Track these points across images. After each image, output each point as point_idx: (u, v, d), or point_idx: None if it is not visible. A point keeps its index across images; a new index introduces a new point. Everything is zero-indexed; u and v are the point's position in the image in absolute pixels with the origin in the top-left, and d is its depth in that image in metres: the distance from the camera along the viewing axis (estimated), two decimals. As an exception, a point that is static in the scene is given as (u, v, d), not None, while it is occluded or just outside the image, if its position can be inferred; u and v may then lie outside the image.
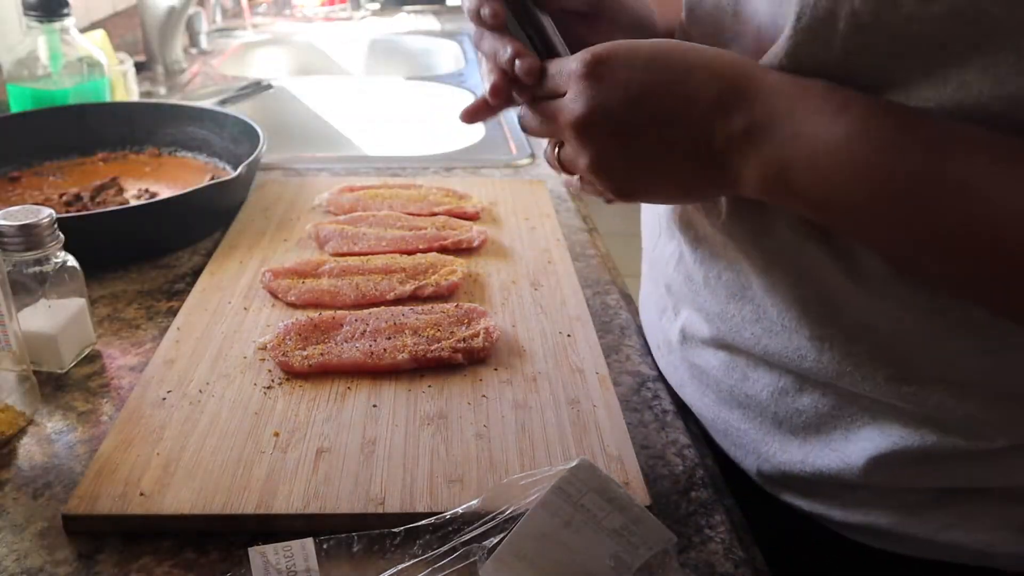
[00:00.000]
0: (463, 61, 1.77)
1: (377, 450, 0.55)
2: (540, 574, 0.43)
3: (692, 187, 0.47)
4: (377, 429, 0.57)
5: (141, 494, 0.50)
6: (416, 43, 1.98)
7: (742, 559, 0.49)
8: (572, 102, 0.46)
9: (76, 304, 0.65)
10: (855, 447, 0.50)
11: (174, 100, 1.38)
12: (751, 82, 0.42)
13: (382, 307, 0.71)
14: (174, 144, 1.07)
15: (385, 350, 0.63)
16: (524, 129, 0.53)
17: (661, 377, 0.66)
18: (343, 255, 0.80)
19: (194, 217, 0.85)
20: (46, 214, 0.60)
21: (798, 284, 0.49)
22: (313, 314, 0.69)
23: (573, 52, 0.49)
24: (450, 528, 0.47)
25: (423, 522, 0.47)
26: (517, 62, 0.50)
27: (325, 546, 0.46)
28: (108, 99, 1.13)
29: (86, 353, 0.67)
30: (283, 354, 0.63)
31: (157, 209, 0.80)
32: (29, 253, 0.60)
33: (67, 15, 1.04)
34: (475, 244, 0.83)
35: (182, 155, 1.06)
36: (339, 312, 0.69)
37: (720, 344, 0.56)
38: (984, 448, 0.47)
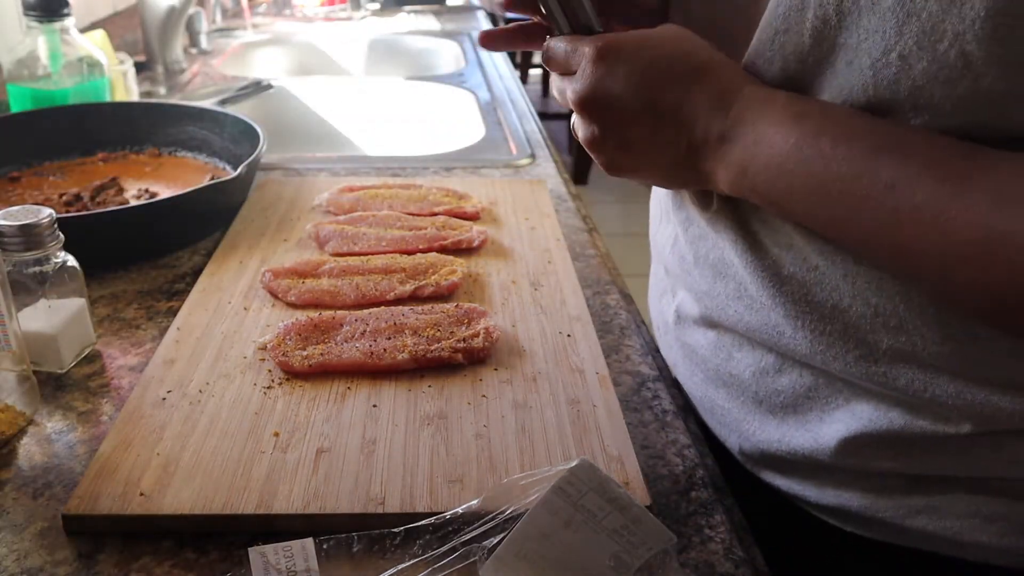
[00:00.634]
0: (463, 61, 1.77)
1: (377, 450, 0.55)
2: (540, 574, 0.43)
3: (674, 177, 0.52)
4: (377, 429, 0.57)
5: (141, 494, 0.50)
6: (416, 43, 1.98)
7: (742, 559, 0.49)
8: (578, 81, 0.50)
9: (76, 304, 0.65)
10: (828, 428, 0.52)
11: (174, 100, 1.38)
12: (732, 92, 0.46)
13: (382, 307, 0.71)
14: (174, 144, 1.07)
15: (385, 350, 0.63)
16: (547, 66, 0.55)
17: (661, 377, 0.66)
18: (343, 255, 0.80)
19: (194, 217, 0.85)
20: (46, 214, 0.60)
21: (776, 263, 0.51)
22: (313, 314, 0.69)
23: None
24: (450, 528, 0.47)
25: (423, 522, 0.47)
26: (547, 42, 0.54)
27: (325, 546, 0.46)
28: (108, 99, 1.13)
29: (86, 353, 0.67)
30: (283, 354, 0.63)
31: (157, 209, 0.80)
32: (29, 253, 0.60)
33: (67, 15, 1.04)
34: (475, 244, 0.83)
35: (182, 155, 1.06)
36: (339, 312, 0.69)
37: (708, 323, 0.59)
38: (951, 433, 0.48)
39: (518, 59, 4.52)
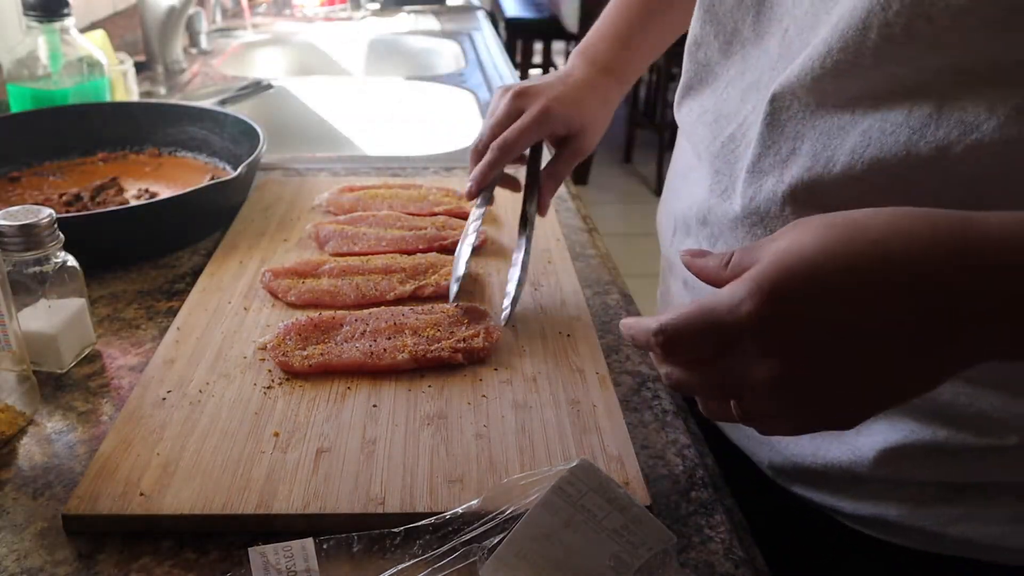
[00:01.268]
0: (463, 61, 1.77)
1: (377, 450, 0.55)
2: (540, 574, 0.43)
3: (907, 385, 0.39)
4: (377, 429, 0.57)
5: (141, 494, 0.50)
6: (416, 43, 1.98)
7: (742, 559, 0.49)
8: (758, 358, 0.38)
9: (76, 304, 0.65)
10: (866, 440, 0.51)
11: (174, 100, 1.38)
12: (976, 255, 0.36)
13: (382, 307, 0.71)
14: (174, 144, 1.07)
15: (385, 350, 0.63)
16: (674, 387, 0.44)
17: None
18: (343, 255, 0.80)
19: (194, 217, 0.85)
20: (46, 214, 0.60)
21: None
22: (313, 314, 0.69)
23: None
24: (450, 528, 0.47)
25: (423, 522, 0.47)
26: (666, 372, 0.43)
27: (325, 546, 0.46)
28: (108, 99, 1.13)
29: (86, 353, 0.67)
30: (283, 354, 0.63)
31: (157, 209, 0.80)
32: (29, 253, 0.60)
33: (67, 15, 1.04)
34: (475, 244, 0.83)
35: (182, 155, 1.06)
36: (339, 312, 0.69)
37: None
38: (995, 444, 0.47)
39: (518, 59, 4.52)
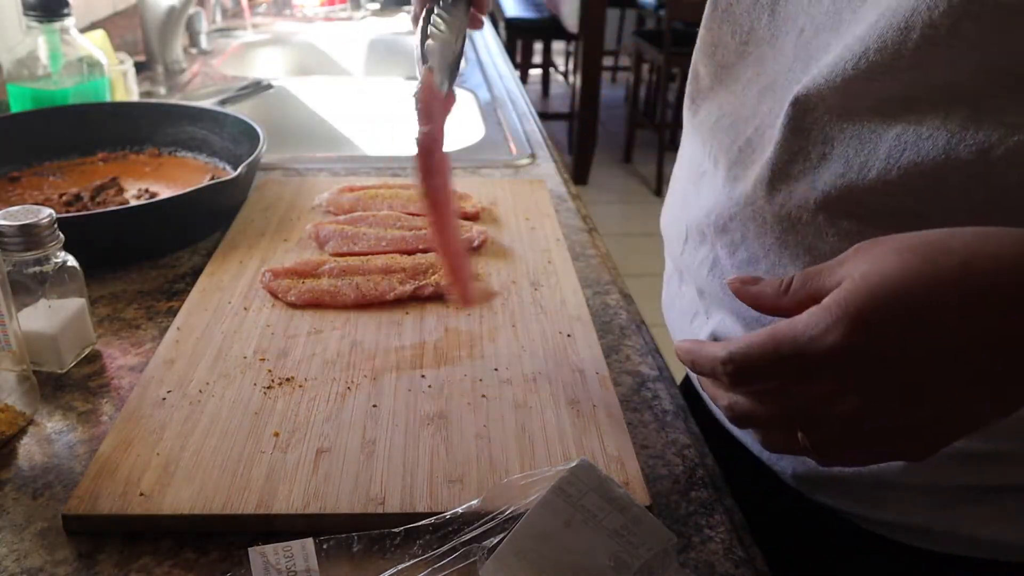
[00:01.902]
0: (463, 61, 1.77)
1: (377, 450, 0.55)
2: (540, 574, 0.43)
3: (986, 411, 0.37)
4: (377, 429, 0.57)
5: (141, 494, 0.50)
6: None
7: (742, 559, 0.49)
8: (840, 389, 0.37)
9: (76, 304, 0.65)
10: None
11: (174, 100, 1.38)
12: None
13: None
14: (174, 144, 1.07)
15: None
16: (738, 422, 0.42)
17: (661, 377, 0.66)
18: (343, 255, 0.80)
19: (194, 217, 0.85)
20: (46, 214, 0.60)
21: None
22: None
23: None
24: (450, 528, 0.47)
25: (423, 522, 0.47)
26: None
27: (325, 546, 0.46)
28: (108, 99, 1.13)
29: (86, 353, 0.67)
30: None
31: (157, 209, 0.80)
32: (29, 253, 0.60)
33: (67, 15, 1.04)
34: (475, 244, 0.83)
35: (182, 155, 1.06)
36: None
37: None
38: None
39: (518, 59, 4.52)
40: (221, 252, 0.82)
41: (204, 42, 1.75)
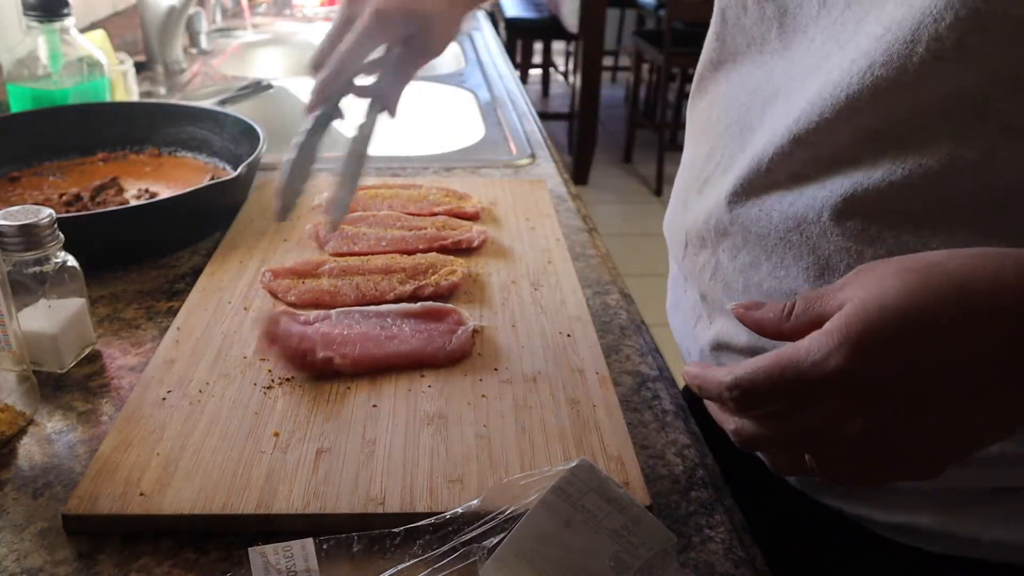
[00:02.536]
0: (463, 61, 1.77)
1: (377, 450, 0.55)
2: (540, 574, 0.43)
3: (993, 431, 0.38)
4: (377, 429, 0.57)
5: (141, 494, 0.50)
6: (416, 43, 1.98)
7: (742, 559, 0.49)
8: (845, 413, 0.37)
9: (76, 304, 0.65)
10: None
11: (174, 100, 1.38)
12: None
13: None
14: (174, 144, 1.07)
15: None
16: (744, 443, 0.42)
17: (661, 377, 0.66)
18: (343, 255, 0.80)
19: (194, 217, 0.85)
20: (46, 214, 0.60)
21: None
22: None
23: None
24: (450, 528, 0.47)
25: (423, 522, 0.47)
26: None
27: (325, 546, 0.46)
28: (108, 99, 1.13)
29: (86, 353, 0.67)
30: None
31: (157, 209, 0.80)
32: (29, 253, 0.60)
33: (67, 15, 1.04)
34: (475, 244, 0.83)
35: (182, 155, 1.06)
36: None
37: (757, 352, 0.54)
38: None
39: (518, 59, 4.52)
40: (221, 252, 0.82)
41: (204, 42, 1.75)
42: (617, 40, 5.22)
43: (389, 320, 0.68)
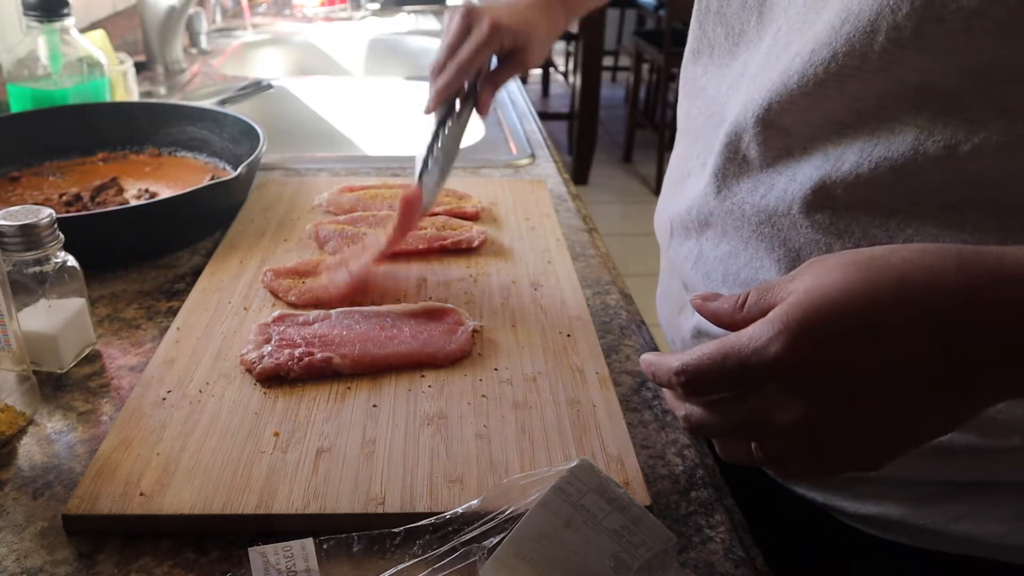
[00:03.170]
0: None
1: (377, 450, 0.55)
2: (540, 574, 0.43)
3: (932, 426, 0.39)
4: (377, 429, 0.57)
5: (141, 494, 0.50)
6: (416, 43, 1.98)
7: (742, 559, 0.49)
8: (783, 401, 0.38)
9: (76, 304, 0.65)
10: None
11: (174, 100, 1.38)
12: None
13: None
14: (174, 144, 1.07)
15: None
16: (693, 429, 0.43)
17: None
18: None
19: (194, 217, 0.85)
20: (46, 214, 0.60)
21: None
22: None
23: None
24: (450, 528, 0.47)
25: (423, 522, 0.47)
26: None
27: (325, 546, 0.46)
28: (108, 99, 1.13)
29: (86, 353, 0.67)
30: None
31: (157, 209, 0.80)
32: (29, 253, 0.60)
33: (67, 15, 1.04)
34: (475, 244, 0.83)
35: (182, 155, 1.06)
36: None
37: None
38: (999, 446, 0.47)
39: (518, 59, 4.51)
40: (221, 252, 0.82)
41: (204, 42, 1.75)
42: (617, 40, 5.22)
43: (389, 320, 0.68)
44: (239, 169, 0.85)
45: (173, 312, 0.72)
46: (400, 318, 0.68)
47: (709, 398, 0.40)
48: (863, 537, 0.55)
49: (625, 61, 5.28)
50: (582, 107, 3.77)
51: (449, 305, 0.70)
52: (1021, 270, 0.35)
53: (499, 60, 0.80)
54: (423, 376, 0.63)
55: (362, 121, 1.54)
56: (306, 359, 0.62)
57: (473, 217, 0.90)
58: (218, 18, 2.02)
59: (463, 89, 0.78)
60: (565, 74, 5.00)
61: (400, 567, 0.45)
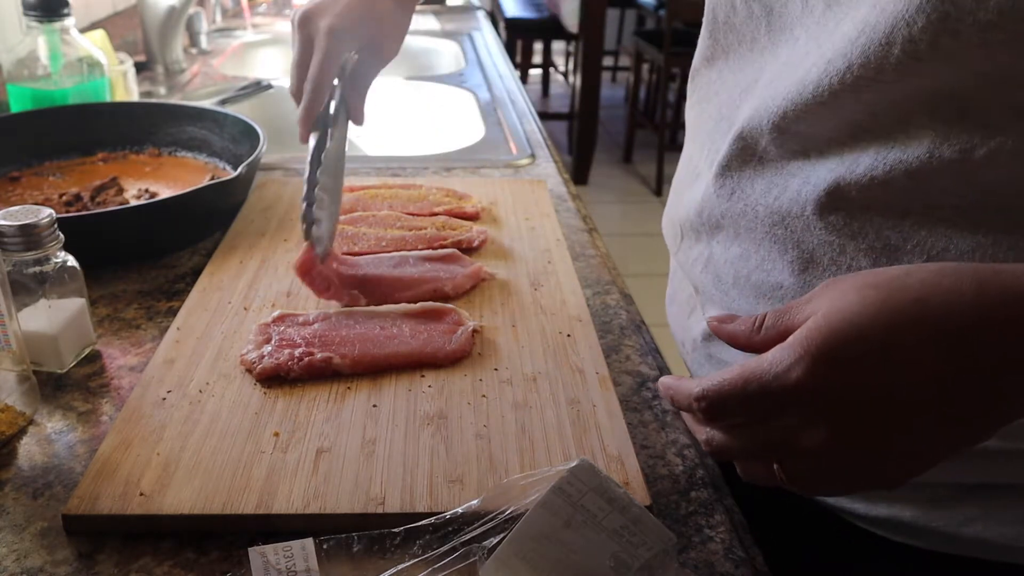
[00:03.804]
0: (463, 61, 1.77)
1: (377, 450, 0.55)
2: (540, 574, 0.43)
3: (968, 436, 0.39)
4: (377, 429, 0.57)
5: (141, 494, 0.50)
6: (416, 43, 1.98)
7: (742, 559, 0.49)
8: (806, 424, 0.38)
9: (76, 304, 0.65)
10: None
11: (174, 100, 1.38)
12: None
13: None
14: (174, 144, 1.07)
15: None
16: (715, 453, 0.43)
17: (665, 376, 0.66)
18: (343, 254, 0.80)
19: (194, 217, 0.85)
20: (46, 214, 0.60)
21: None
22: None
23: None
24: (450, 528, 0.47)
25: (423, 522, 0.47)
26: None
27: (325, 546, 0.46)
28: (108, 99, 1.13)
29: (86, 353, 0.67)
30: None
31: (157, 209, 0.80)
32: (29, 253, 0.60)
33: (67, 15, 1.04)
34: (475, 244, 0.83)
35: (182, 155, 1.06)
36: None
37: None
38: (1012, 448, 0.47)
39: (518, 59, 4.52)
40: (221, 252, 0.82)
41: (204, 42, 1.75)
42: (617, 40, 5.22)
43: (389, 320, 0.68)
44: (239, 169, 0.85)
45: (173, 312, 0.72)
46: (400, 318, 0.68)
47: (731, 422, 0.40)
48: (870, 538, 0.55)
49: (625, 61, 5.28)
50: (582, 107, 3.77)
51: (449, 305, 0.70)
52: None
53: (358, 60, 0.76)
54: (423, 376, 0.63)
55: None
56: (306, 359, 0.62)
57: (473, 217, 0.90)
58: (218, 18, 2.02)
59: (330, 99, 0.75)
60: (565, 74, 5.01)
61: (400, 567, 0.45)
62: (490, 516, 0.46)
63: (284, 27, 2.03)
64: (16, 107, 1.07)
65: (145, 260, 0.82)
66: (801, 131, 0.49)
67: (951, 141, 0.43)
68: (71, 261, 0.64)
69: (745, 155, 0.54)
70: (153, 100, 1.37)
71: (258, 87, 1.48)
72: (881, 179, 0.46)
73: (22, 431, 0.58)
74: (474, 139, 1.24)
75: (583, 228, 0.92)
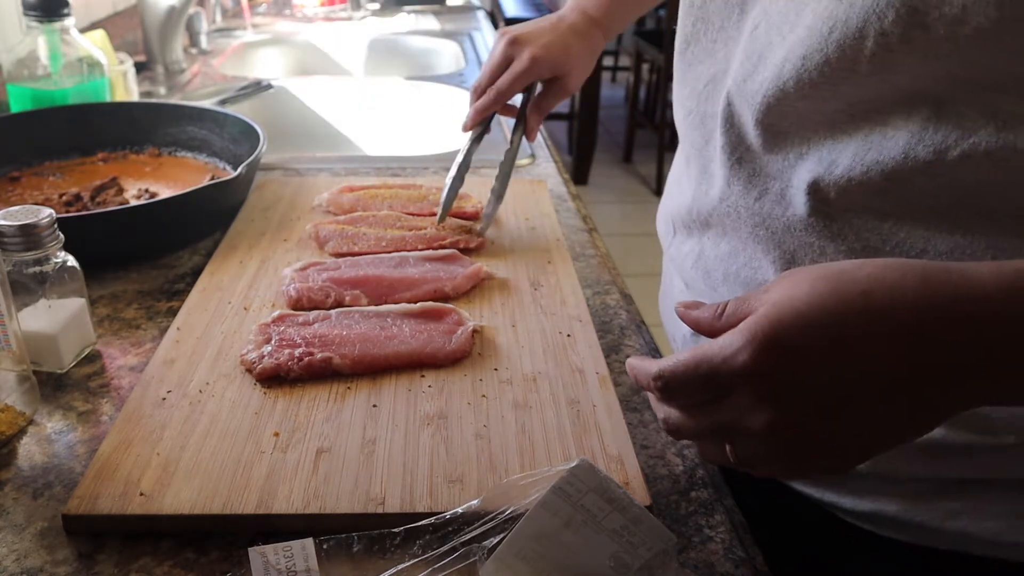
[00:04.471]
0: (463, 61, 1.77)
1: (377, 450, 0.55)
2: (540, 574, 0.43)
3: (899, 429, 0.39)
4: (377, 429, 0.57)
5: (141, 494, 0.50)
6: (416, 43, 1.98)
7: (742, 559, 0.49)
8: (752, 406, 0.39)
9: (76, 304, 0.65)
10: None
11: (174, 100, 1.38)
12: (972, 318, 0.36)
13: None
14: (174, 144, 1.07)
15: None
16: (672, 431, 0.44)
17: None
18: (343, 255, 0.80)
19: (194, 217, 0.85)
20: (46, 214, 0.60)
21: None
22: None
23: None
24: (450, 528, 0.47)
25: (423, 522, 0.47)
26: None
27: (325, 546, 0.46)
28: (108, 99, 1.13)
29: (86, 353, 0.67)
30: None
31: (157, 209, 0.80)
32: (29, 253, 0.60)
33: (67, 15, 1.04)
34: (475, 244, 0.83)
35: (182, 155, 1.06)
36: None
37: None
38: (994, 443, 0.47)
39: (518, 59, 4.50)
40: (221, 252, 0.82)
41: (204, 42, 1.75)
42: (617, 40, 5.22)
43: (389, 320, 0.68)
44: (239, 169, 0.85)
45: (173, 312, 0.72)
46: (400, 318, 0.68)
47: (685, 402, 0.42)
48: (860, 534, 0.55)
49: (625, 61, 5.28)
50: (582, 107, 3.77)
51: (449, 305, 0.70)
52: (985, 289, 0.36)
53: (543, 87, 0.87)
54: (423, 376, 0.63)
55: (362, 121, 1.54)
56: (306, 359, 0.62)
57: (473, 217, 0.90)
58: (218, 18, 2.02)
59: (501, 112, 0.89)
60: (565, 74, 5.00)
61: (400, 567, 0.45)
62: (490, 516, 0.46)
63: (284, 27, 2.03)
64: (16, 107, 1.07)
65: (145, 260, 0.82)
66: (783, 128, 0.50)
67: (926, 142, 0.44)
68: (71, 261, 0.64)
69: (730, 152, 0.54)
70: (153, 100, 1.37)
71: (258, 87, 1.48)
72: (858, 180, 0.47)
73: (22, 431, 0.58)
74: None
75: (583, 228, 0.92)
